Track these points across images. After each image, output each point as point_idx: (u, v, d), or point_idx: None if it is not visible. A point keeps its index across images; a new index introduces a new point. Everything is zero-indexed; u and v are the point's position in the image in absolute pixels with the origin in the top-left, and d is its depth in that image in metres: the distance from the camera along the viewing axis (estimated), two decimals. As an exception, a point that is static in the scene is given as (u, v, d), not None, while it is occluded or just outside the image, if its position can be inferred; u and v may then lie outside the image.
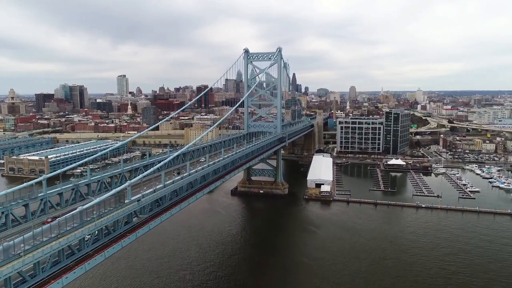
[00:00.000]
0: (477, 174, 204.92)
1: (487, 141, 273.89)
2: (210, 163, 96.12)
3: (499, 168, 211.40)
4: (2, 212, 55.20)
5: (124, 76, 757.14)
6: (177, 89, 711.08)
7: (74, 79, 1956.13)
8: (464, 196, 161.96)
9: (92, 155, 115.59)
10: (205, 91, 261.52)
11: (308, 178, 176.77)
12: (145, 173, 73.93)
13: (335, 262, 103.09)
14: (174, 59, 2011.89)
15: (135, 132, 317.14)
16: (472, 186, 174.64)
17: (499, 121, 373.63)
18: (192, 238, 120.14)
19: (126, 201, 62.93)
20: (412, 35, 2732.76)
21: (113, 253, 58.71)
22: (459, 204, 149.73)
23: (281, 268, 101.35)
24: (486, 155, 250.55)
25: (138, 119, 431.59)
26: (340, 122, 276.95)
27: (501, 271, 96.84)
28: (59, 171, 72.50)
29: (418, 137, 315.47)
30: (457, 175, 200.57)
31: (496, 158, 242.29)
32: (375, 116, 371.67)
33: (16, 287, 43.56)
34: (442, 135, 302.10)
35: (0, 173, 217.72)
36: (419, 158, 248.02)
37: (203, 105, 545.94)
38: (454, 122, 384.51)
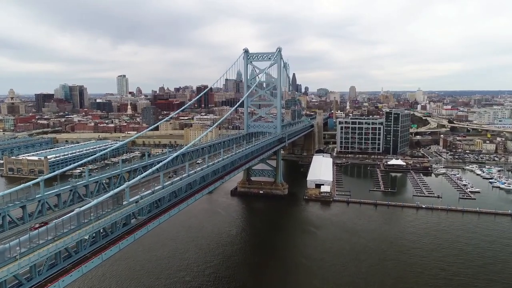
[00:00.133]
0: (478, 174, 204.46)
1: (487, 141, 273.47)
2: (210, 163, 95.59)
3: (499, 169, 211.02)
4: (-1, 214, 54.68)
5: (124, 76, 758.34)
6: (177, 89, 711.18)
7: (74, 79, 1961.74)
8: (465, 197, 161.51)
9: (91, 155, 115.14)
10: (205, 91, 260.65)
11: (308, 178, 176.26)
12: (144, 174, 73.35)
13: (335, 263, 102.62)
14: (174, 59, 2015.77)
15: (135, 132, 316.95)
16: (472, 187, 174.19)
17: (499, 121, 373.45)
18: (192, 239, 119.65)
19: (124, 203, 62.40)
20: (412, 35, 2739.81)
21: (110, 256, 58.14)
22: (459, 204, 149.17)
23: (281, 269, 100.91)
24: (487, 156, 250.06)
25: (138, 119, 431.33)
26: (340, 122, 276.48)
27: (502, 272, 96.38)
28: (57, 172, 71.90)
29: (418, 137, 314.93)
30: (457, 175, 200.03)
31: (496, 159, 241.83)
32: (375, 116, 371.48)
33: (12, 290, 43.05)
34: (442, 135, 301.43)
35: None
36: (419, 159, 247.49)
37: (203, 105, 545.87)
38: (454, 122, 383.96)
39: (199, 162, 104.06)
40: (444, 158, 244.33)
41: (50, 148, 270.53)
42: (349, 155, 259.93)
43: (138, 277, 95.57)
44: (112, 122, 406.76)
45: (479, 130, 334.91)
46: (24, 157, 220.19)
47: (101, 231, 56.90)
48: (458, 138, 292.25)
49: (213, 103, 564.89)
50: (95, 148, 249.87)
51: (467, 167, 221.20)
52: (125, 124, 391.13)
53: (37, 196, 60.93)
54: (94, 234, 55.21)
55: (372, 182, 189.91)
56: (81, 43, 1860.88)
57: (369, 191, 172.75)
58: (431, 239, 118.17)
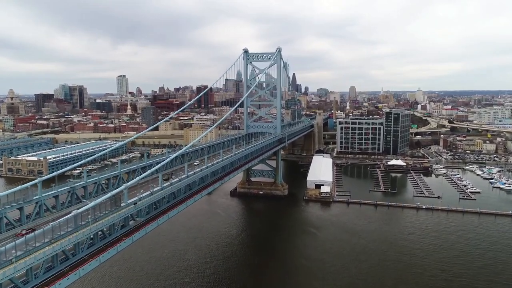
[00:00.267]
0: (478, 174, 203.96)
1: (488, 142, 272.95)
2: (209, 164, 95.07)
3: (499, 169, 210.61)
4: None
5: (124, 76, 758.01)
6: (177, 89, 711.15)
7: (74, 79, 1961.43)
8: (465, 197, 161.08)
9: (91, 155, 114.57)
10: (205, 91, 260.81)
11: (308, 179, 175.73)
12: (142, 175, 72.76)
13: (335, 264, 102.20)
14: (174, 59, 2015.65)
15: (135, 132, 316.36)
16: (472, 187, 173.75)
17: (499, 121, 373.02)
18: (191, 240, 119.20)
19: (122, 204, 61.97)
20: (412, 35, 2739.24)
21: (108, 258, 57.65)
22: (459, 205, 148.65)
23: (281, 270, 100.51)
24: (487, 156, 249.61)
25: (138, 119, 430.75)
26: (340, 123, 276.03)
27: (502, 273, 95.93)
28: (55, 173, 71.35)
29: (418, 137, 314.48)
30: (457, 175, 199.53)
31: (496, 159, 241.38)
32: (375, 116, 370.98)
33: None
34: (442, 136, 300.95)
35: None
36: (419, 159, 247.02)
37: (202, 105, 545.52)
38: (454, 122, 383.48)
39: (197, 163, 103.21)
40: (444, 158, 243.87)
41: (50, 149, 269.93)
42: (349, 156, 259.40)
43: (138, 279, 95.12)
44: (111, 122, 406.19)
45: (479, 130, 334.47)
46: (23, 158, 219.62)
47: (99, 233, 56.38)
48: (458, 138, 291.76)
49: (213, 103, 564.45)
50: (94, 148, 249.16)
51: (467, 167, 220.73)
52: (124, 124, 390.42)
53: (34, 197, 60.42)
54: (91, 236, 54.74)
55: (372, 183, 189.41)
56: (81, 43, 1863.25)
57: (369, 192, 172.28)
58: (431, 239, 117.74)
